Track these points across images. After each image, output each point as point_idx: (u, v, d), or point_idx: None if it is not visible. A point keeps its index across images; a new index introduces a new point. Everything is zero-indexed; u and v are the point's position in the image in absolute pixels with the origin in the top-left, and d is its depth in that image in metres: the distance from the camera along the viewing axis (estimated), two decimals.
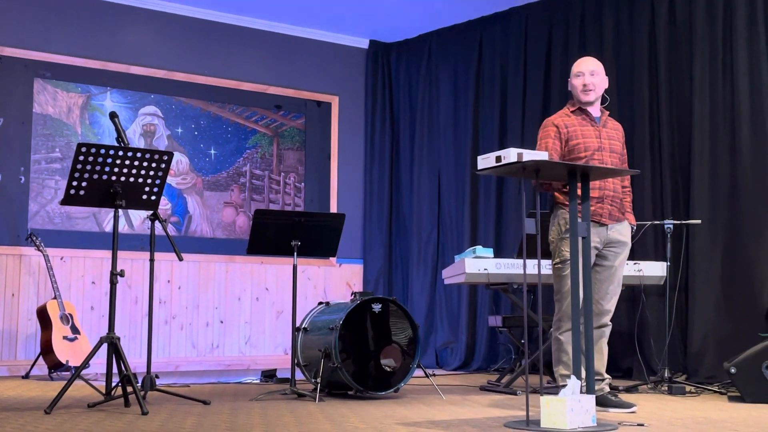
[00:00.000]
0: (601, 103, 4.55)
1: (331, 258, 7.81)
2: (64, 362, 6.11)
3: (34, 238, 6.48)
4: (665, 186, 6.19)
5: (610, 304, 4.42)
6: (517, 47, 7.40)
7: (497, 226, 7.43)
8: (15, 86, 6.89)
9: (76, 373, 4.30)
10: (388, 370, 4.86)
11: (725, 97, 5.89)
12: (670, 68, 6.26)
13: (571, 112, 4.47)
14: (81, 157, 4.21)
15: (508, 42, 7.48)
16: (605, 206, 4.38)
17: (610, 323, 4.45)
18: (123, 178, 4.32)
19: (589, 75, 4.42)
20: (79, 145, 4.22)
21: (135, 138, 7.29)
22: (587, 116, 4.46)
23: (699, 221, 5.75)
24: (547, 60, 7.14)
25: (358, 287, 8.13)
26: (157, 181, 4.42)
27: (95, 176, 4.26)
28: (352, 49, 8.41)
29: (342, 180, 8.27)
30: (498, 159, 3.70)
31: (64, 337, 6.22)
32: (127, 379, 4.21)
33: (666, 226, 5.55)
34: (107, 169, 4.27)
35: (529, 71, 7.29)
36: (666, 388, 5.25)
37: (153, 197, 4.46)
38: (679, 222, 5.67)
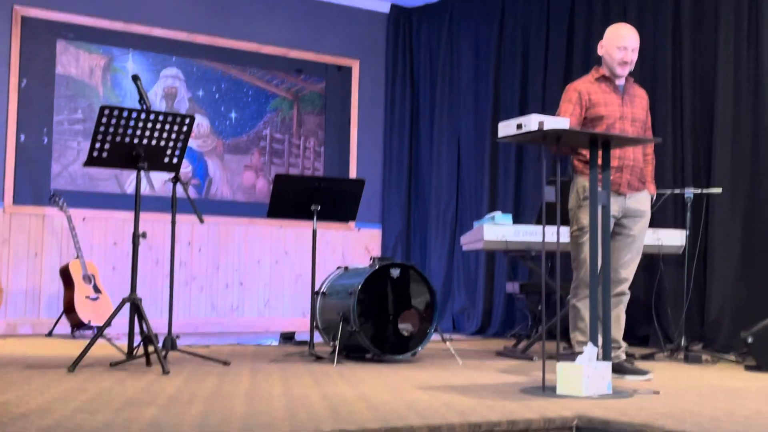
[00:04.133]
0: None
1: (350, 222, 7.85)
2: (86, 321, 6.20)
3: (57, 199, 6.54)
4: (686, 154, 6.14)
5: (628, 272, 4.43)
6: (539, 12, 7.32)
7: (516, 193, 7.41)
8: (38, 47, 6.92)
9: (99, 332, 4.37)
10: (406, 334, 4.90)
11: (749, 64, 5.82)
12: (694, 34, 6.18)
13: (596, 79, 4.44)
14: (104, 120, 4.25)
15: (531, 6, 7.41)
16: (624, 176, 4.36)
17: (628, 291, 4.45)
18: (145, 141, 4.35)
19: (632, 51, 4.38)
20: (102, 108, 4.25)
21: (156, 100, 7.31)
22: (611, 84, 4.43)
23: (719, 190, 5.70)
24: (570, 25, 7.06)
25: (377, 252, 8.17)
26: (179, 144, 4.45)
27: (118, 138, 4.29)
28: (373, 14, 8.37)
29: (362, 144, 8.27)
30: (519, 126, 3.69)
31: (87, 297, 6.31)
32: (148, 339, 4.27)
33: (686, 194, 5.52)
34: (130, 131, 4.30)
35: (551, 36, 7.22)
36: (682, 357, 5.26)
37: (175, 160, 4.49)
38: (699, 191, 5.62)
